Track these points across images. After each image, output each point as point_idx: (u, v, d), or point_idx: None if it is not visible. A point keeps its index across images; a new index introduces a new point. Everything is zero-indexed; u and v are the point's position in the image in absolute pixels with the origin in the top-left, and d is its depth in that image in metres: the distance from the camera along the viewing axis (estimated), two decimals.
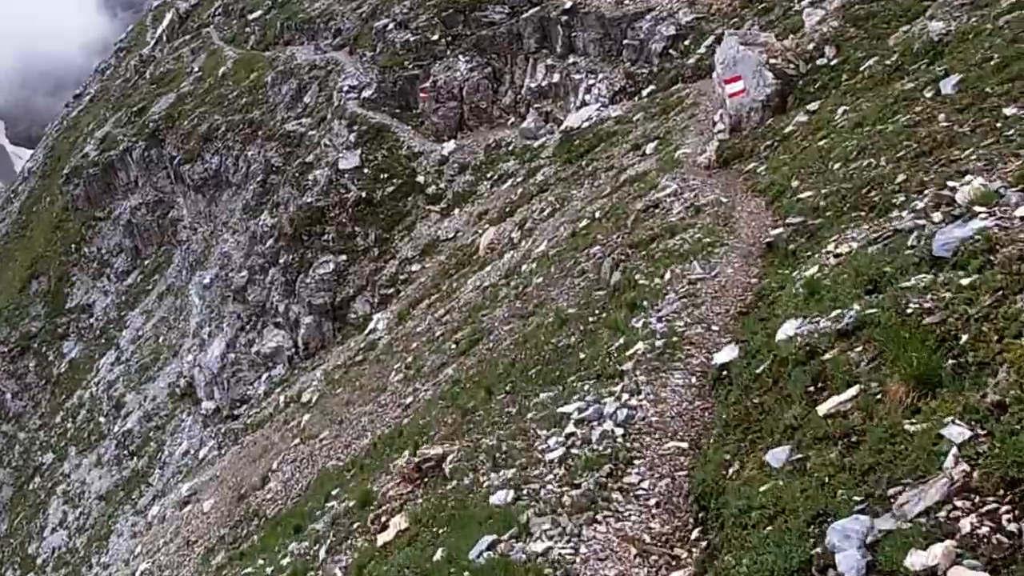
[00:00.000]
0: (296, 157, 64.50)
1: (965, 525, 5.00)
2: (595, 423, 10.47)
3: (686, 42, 44.71)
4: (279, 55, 77.18)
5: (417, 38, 59.17)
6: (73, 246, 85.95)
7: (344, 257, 53.03)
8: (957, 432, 5.67)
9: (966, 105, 13.29)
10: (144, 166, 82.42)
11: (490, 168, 49.70)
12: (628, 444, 9.68)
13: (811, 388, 7.67)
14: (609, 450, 9.55)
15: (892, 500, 5.58)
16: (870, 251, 9.96)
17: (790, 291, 10.87)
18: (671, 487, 8.92)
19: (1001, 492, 5.03)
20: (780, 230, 14.26)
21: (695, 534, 7.95)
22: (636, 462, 9.30)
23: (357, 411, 33.15)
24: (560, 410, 11.47)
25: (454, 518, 10.21)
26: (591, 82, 47.87)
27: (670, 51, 45.30)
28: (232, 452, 45.83)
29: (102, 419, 71.88)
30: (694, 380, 10.94)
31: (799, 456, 6.94)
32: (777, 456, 7.14)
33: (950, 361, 6.44)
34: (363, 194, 53.87)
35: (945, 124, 13.15)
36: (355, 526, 14.62)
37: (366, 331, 46.70)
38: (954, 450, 5.54)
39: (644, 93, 43.29)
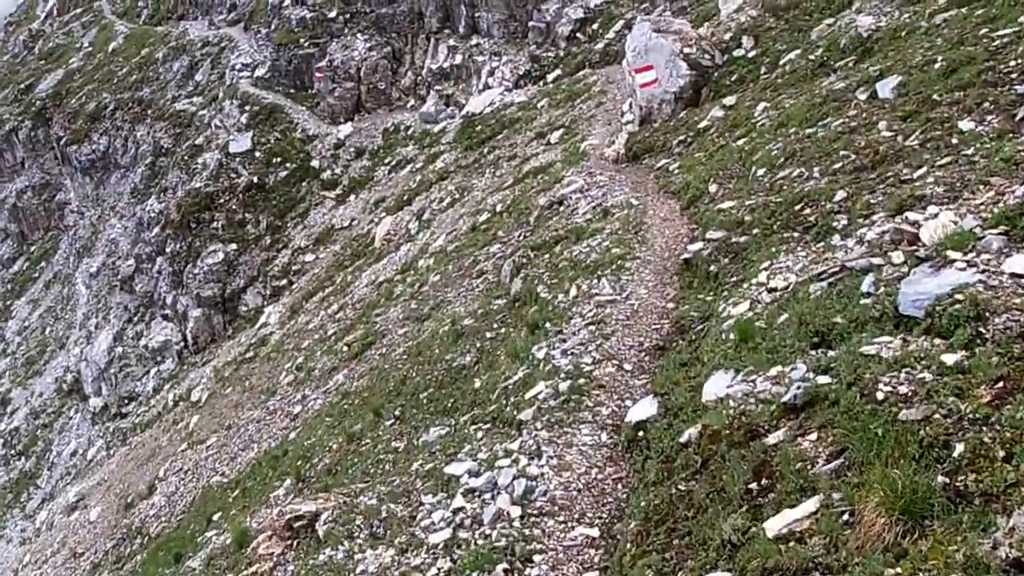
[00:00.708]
0: (186, 139, 62.52)
1: None
2: (488, 496, 8.67)
3: (594, 26, 43.38)
4: (172, 30, 74.79)
5: (314, 15, 56.71)
6: None
7: (234, 246, 50.64)
8: None
9: (910, 113, 11.86)
10: (31, 147, 78.97)
11: (388, 153, 47.64)
12: (527, 531, 7.91)
13: (753, 485, 6.00)
14: (503, 540, 7.77)
15: None
16: (813, 291, 8.37)
17: (716, 331, 9.22)
18: None
19: None
20: (699, 245, 12.61)
21: None
22: (536, 558, 7.54)
23: (245, 416, 32.17)
24: (448, 470, 9.63)
25: None
26: (495, 65, 46.08)
27: (578, 35, 43.94)
28: (120, 454, 44.26)
29: None
30: (604, 437, 9.21)
31: None
32: None
33: (940, 478, 4.83)
34: (255, 179, 51.54)
35: (888, 134, 11.69)
36: None
37: (257, 325, 45.68)
38: None
39: (550, 78, 41.83)
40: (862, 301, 7.39)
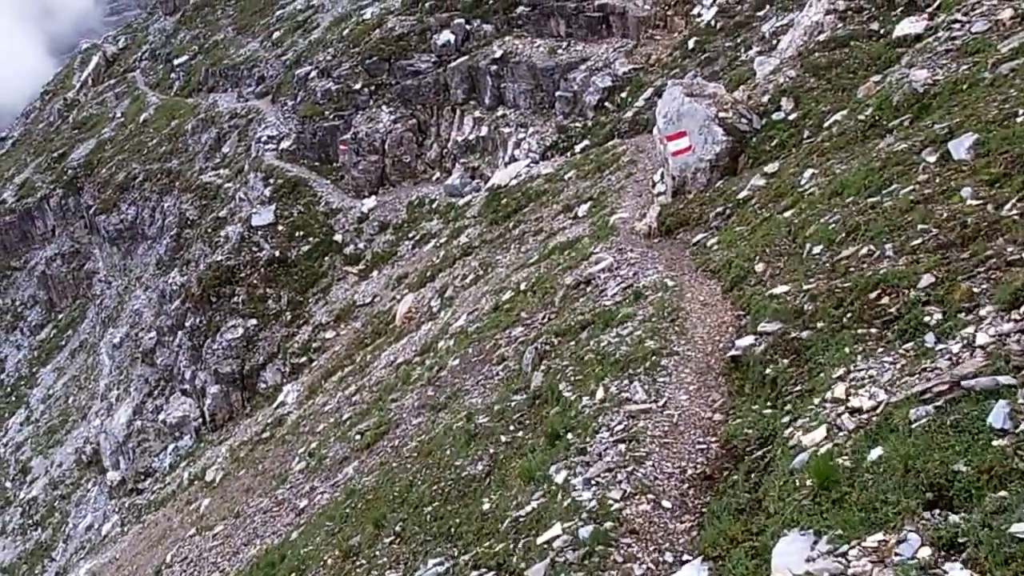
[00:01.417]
0: (211, 211, 62.44)
1: None
2: None
3: (623, 94, 41.95)
4: (201, 102, 75.37)
5: (339, 87, 56.00)
6: None
7: (254, 321, 49.39)
8: None
9: (998, 176, 9.79)
10: (61, 215, 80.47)
11: (412, 227, 46.20)
12: None
13: None
14: None
15: None
16: (915, 417, 6.24)
17: (783, 467, 7.06)
18: None
19: None
20: (750, 340, 10.48)
21: None
22: None
23: (254, 504, 31.03)
24: None
25: None
26: (521, 136, 44.69)
27: (605, 104, 42.55)
28: (133, 532, 43.70)
29: (8, 484, 68.11)
30: None
31: None
32: None
33: None
34: (276, 253, 50.44)
35: (975, 202, 9.61)
36: None
37: (275, 404, 45.02)
38: None
39: (577, 149, 40.32)
40: (994, 442, 5.27)
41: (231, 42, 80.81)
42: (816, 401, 7.83)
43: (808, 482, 6.44)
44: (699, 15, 40.82)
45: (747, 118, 22.18)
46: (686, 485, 8.56)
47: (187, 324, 53.18)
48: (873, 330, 8.56)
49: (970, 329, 7.16)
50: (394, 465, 19.45)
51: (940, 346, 7.38)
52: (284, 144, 57.76)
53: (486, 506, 10.97)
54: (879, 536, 5.24)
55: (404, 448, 20.98)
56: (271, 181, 54.70)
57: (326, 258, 49.02)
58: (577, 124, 43.14)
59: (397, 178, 51.31)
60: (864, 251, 10.44)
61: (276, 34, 73.99)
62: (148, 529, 40.33)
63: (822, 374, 8.37)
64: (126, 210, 72.00)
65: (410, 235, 45.84)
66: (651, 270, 17.98)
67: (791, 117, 21.45)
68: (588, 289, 19.58)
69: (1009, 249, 8.09)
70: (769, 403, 8.97)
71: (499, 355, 21.02)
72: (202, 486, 39.24)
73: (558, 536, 8.14)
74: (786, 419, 8.01)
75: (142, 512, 47.06)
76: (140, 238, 70.91)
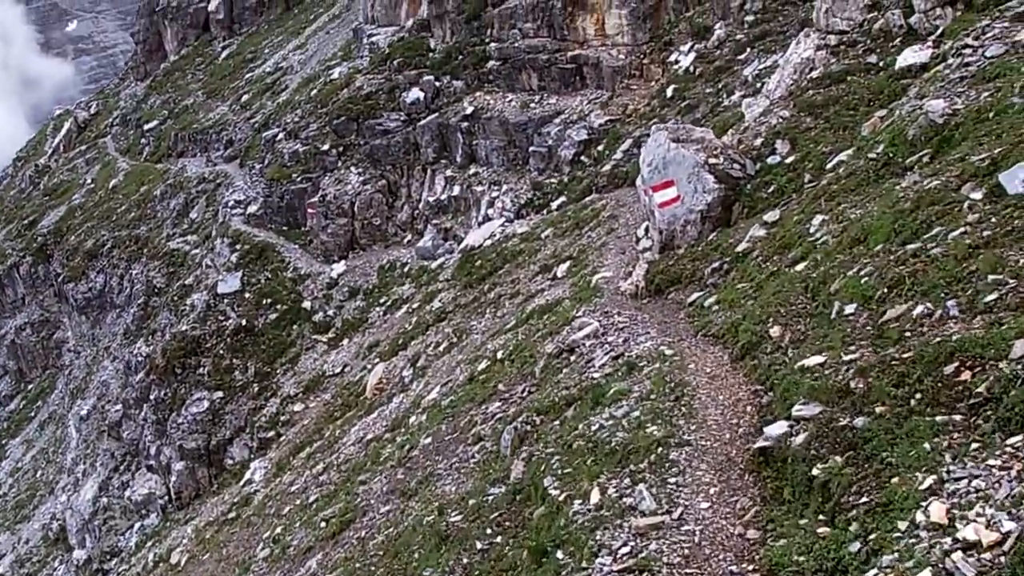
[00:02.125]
0: (178, 278, 60.53)
1: None
2: None
3: (600, 147, 40.30)
4: (171, 167, 74.55)
5: (307, 148, 54.39)
6: None
7: (220, 393, 47.23)
8: None
9: None
10: (31, 283, 79.74)
11: (383, 292, 44.17)
12: None
13: None
14: None
15: None
16: None
17: None
18: None
19: None
20: (783, 428, 8.20)
21: None
22: None
23: None
24: None
25: None
26: (495, 194, 42.89)
27: (582, 158, 40.90)
28: None
29: None
30: None
31: None
32: None
33: None
34: (243, 322, 48.30)
35: None
36: None
37: (242, 482, 42.22)
38: None
39: (554, 206, 38.58)
40: None
41: (201, 106, 79.89)
42: (903, 527, 5.65)
43: None
44: (676, 62, 39.44)
45: (740, 163, 20.29)
46: None
47: (152, 397, 51.16)
48: (957, 417, 6.44)
49: None
50: (358, 566, 17.14)
51: None
52: (251, 208, 55.96)
53: None
54: None
55: (371, 542, 18.69)
56: (238, 247, 52.86)
57: (294, 326, 46.82)
58: (553, 180, 41.44)
59: (367, 241, 49.32)
60: (919, 310, 8.35)
61: (245, 97, 73.05)
62: None
63: (896, 479, 6.23)
64: (95, 278, 71.03)
65: (381, 301, 43.78)
66: (643, 336, 15.85)
67: (788, 160, 19.60)
68: (572, 358, 17.44)
69: None
70: (823, 517, 6.77)
71: (475, 434, 18.82)
72: (167, 569, 37.57)
73: None
74: (856, 546, 5.84)
75: None
76: (108, 307, 69.57)
